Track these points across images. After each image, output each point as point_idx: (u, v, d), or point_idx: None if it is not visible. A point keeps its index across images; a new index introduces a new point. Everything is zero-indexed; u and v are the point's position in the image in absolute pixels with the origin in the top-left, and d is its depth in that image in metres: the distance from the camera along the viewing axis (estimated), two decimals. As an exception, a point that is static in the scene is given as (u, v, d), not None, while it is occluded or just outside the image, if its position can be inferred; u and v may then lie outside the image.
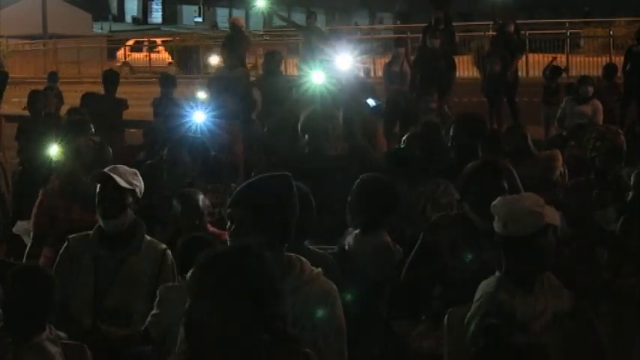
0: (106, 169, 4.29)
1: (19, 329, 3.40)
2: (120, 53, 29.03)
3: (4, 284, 3.49)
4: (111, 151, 5.68)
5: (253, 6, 18.19)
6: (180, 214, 4.80)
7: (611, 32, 21.54)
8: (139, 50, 29.74)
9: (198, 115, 7.26)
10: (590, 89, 10.01)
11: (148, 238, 4.29)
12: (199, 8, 57.72)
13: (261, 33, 32.47)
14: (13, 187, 7.90)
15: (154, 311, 3.89)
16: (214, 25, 45.56)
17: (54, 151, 6.01)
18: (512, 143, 6.22)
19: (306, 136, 5.79)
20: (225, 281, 2.29)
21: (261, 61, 13.08)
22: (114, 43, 32.14)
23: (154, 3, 60.70)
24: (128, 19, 59.28)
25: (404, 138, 6.02)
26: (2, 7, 38.07)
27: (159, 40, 30.59)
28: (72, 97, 12.01)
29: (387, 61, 12.45)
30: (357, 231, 4.31)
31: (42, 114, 8.98)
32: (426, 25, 12.88)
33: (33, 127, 8.58)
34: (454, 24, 13.24)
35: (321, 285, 3.00)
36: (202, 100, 9.64)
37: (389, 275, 4.22)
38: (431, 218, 4.57)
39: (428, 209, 5.10)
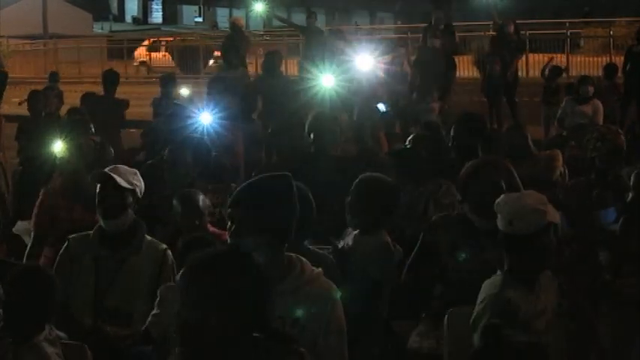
0: (106, 169, 4.29)
1: (20, 330, 3.40)
2: (137, 53, 28.82)
3: (4, 284, 3.49)
4: (112, 151, 5.69)
5: (251, 10, 18.22)
6: (180, 214, 4.80)
7: (611, 32, 21.54)
8: (157, 50, 29.55)
9: (205, 116, 7.27)
10: (591, 89, 10.01)
11: (149, 238, 4.29)
12: (199, 8, 57.72)
13: (262, 33, 32.44)
14: (13, 187, 7.89)
15: (154, 311, 3.89)
16: (214, 25, 45.58)
17: (57, 149, 6.01)
18: (513, 143, 6.22)
19: (312, 136, 5.81)
20: (215, 283, 2.30)
21: (261, 61, 13.08)
22: (114, 43, 32.10)
23: (154, 3, 60.70)
24: (128, 19, 59.27)
25: (409, 138, 6.02)
26: (2, 7, 38.05)
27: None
28: (72, 97, 12.01)
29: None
30: (356, 231, 4.31)
31: (42, 114, 8.98)
32: (426, 25, 12.89)
33: (33, 127, 8.58)
34: (454, 24, 13.25)
35: (321, 285, 3.00)
36: (185, 96, 9.64)
37: (389, 275, 4.22)
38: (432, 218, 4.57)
39: (430, 209, 5.10)
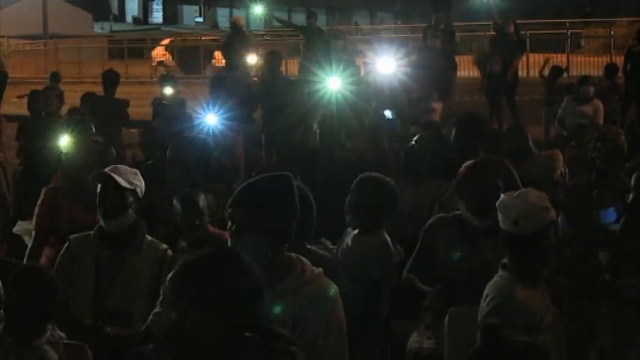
0: (106, 169, 4.29)
1: (21, 330, 3.40)
2: (155, 53, 28.65)
3: (5, 285, 3.49)
4: (114, 151, 5.69)
5: (251, 12, 18.31)
6: (180, 215, 4.80)
7: (611, 32, 21.53)
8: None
9: (210, 117, 7.28)
10: (591, 89, 10.00)
11: (149, 238, 4.29)
12: (200, 8, 57.74)
13: (262, 33, 32.43)
14: (13, 187, 7.90)
15: (156, 310, 3.89)
16: (215, 25, 45.61)
17: (62, 145, 6.02)
18: (513, 143, 6.22)
19: (318, 132, 5.84)
20: (204, 284, 2.30)
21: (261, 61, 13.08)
22: (114, 43, 32.09)
23: (154, 3, 60.71)
24: (129, 19, 59.28)
25: (415, 138, 6.03)
26: (2, 7, 38.05)
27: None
28: (72, 97, 12.02)
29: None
30: (356, 231, 4.31)
31: (42, 114, 8.97)
32: (426, 25, 12.91)
33: (33, 127, 8.57)
34: (454, 24, 13.26)
35: (321, 285, 3.00)
36: (168, 95, 9.64)
37: (388, 275, 4.22)
38: None
39: (435, 211, 5.09)
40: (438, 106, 9.17)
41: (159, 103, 9.85)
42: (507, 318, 3.28)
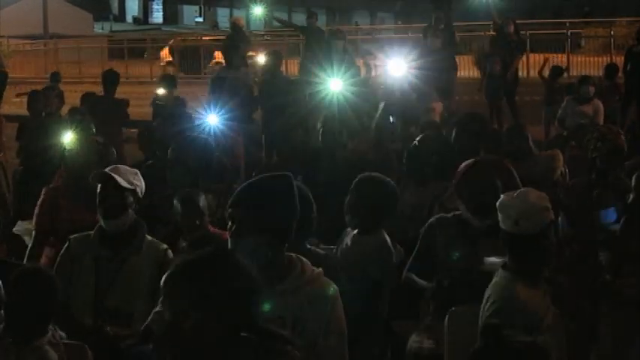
0: (106, 169, 4.29)
1: (22, 331, 3.40)
2: (163, 53, 28.58)
3: (6, 285, 3.49)
4: (114, 152, 5.69)
5: (251, 13, 18.34)
6: (180, 215, 4.80)
7: (611, 32, 21.53)
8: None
9: (212, 117, 7.28)
10: (592, 89, 9.99)
11: (149, 238, 4.29)
12: (200, 8, 57.72)
13: (262, 33, 32.43)
14: (13, 187, 7.90)
15: (157, 308, 3.89)
16: (215, 26, 45.59)
17: (65, 145, 6.03)
18: (513, 143, 6.22)
19: (320, 132, 5.85)
20: (199, 284, 2.30)
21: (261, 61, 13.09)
22: (115, 43, 32.08)
23: (154, 3, 60.71)
24: (129, 19, 59.28)
25: (418, 138, 6.03)
26: (3, 7, 38.04)
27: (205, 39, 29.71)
28: (73, 97, 12.02)
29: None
30: (355, 231, 4.31)
31: (42, 114, 8.96)
32: (426, 24, 12.90)
33: (33, 127, 8.57)
34: (454, 24, 13.25)
35: (321, 285, 3.00)
36: (161, 95, 9.65)
37: (388, 275, 4.22)
38: None
39: (435, 211, 5.09)
40: (437, 106, 9.17)
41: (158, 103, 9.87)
42: (508, 318, 3.28)
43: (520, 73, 13.75)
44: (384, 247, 4.22)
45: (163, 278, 2.37)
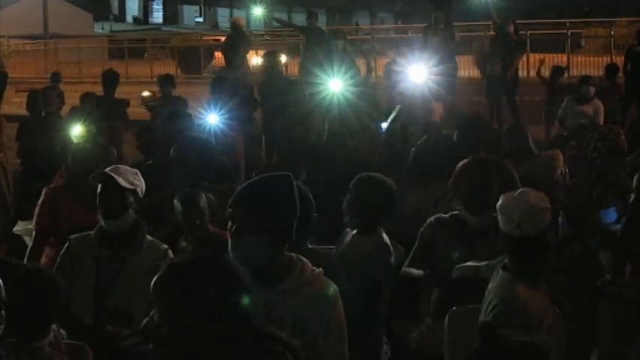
0: (107, 169, 4.29)
1: (23, 331, 3.40)
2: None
3: (7, 286, 3.49)
4: (115, 152, 5.70)
5: (251, 13, 18.34)
6: (181, 214, 4.80)
7: (612, 32, 21.53)
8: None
9: (212, 117, 7.29)
10: (592, 89, 9.99)
11: (149, 238, 4.29)
12: (200, 8, 57.76)
13: (262, 33, 32.44)
14: (14, 187, 7.90)
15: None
16: (215, 26, 45.62)
17: (74, 138, 6.05)
18: (513, 143, 6.23)
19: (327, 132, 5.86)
20: (189, 287, 2.30)
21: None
22: (115, 43, 32.09)
23: (154, 3, 60.73)
24: (129, 19, 59.30)
25: (421, 140, 6.03)
26: (3, 7, 38.05)
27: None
28: (73, 97, 12.00)
29: (387, 61, 12.46)
30: (354, 231, 4.31)
31: (42, 114, 8.96)
32: (426, 24, 12.91)
33: (33, 126, 8.57)
34: (454, 24, 13.26)
35: (321, 285, 3.00)
36: (146, 97, 9.66)
37: (388, 275, 4.22)
38: None
39: (437, 212, 5.08)
40: (438, 106, 9.17)
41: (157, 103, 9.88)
42: (508, 318, 3.29)
43: (520, 73, 13.75)
44: (383, 247, 4.21)
45: (153, 281, 2.37)
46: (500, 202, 3.60)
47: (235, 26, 13.45)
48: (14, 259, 5.02)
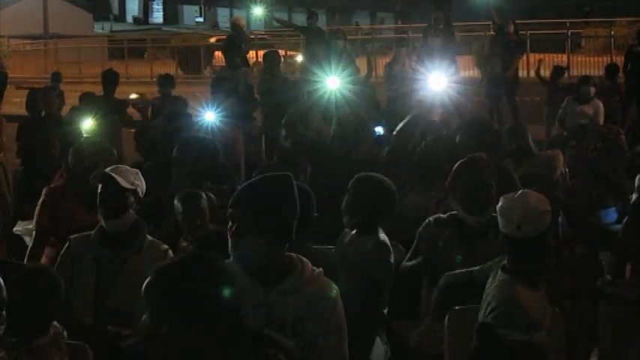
0: (107, 169, 4.29)
1: (23, 330, 3.39)
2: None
3: (9, 285, 3.49)
4: (115, 152, 5.70)
5: (251, 13, 18.34)
6: (181, 214, 4.80)
7: (612, 32, 21.53)
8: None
9: (209, 114, 7.29)
10: (592, 89, 9.99)
11: (150, 238, 4.29)
12: (200, 8, 57.74)
13: (263, 33, 32.44)
14: (14, 188, 7.90)
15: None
16: (215, 26, 45.62)
17: (85, 130, 6.06)
18: (513, 143, 6.23)
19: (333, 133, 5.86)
20: (178, 289, 2.30)
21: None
22: (115, 43, 32.10)
23: (155, 3, 60.71)
24: (129, 19, 59.29)
25: (425, 141, 6.02)
26: (3, 7, 38.05)
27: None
28: (73, 97, 12.00)
29: (388, 61, 12.46)
30: (354, 231, 4.31)
31: (42, 113, 8.96)
32: (426, 24, 12.91)
33: (33, 126, 8.57)
34: (455, 24, 13.26)
35: (321, 285, 3.00)
36: (134, 99, 9.67)
37: (388, 275, 4.22)
38: None
39: (439, 212, 5.07)
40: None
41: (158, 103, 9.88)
42: (508, 320, 3.29)
43: (520, 73, 13.75)
44: (383, 247, 4.21)
45: (144, 285, 2.38)
46: (500, 203, 3.59)
47: (235, 26, 13.44)
48: (14, 259, 5.02)
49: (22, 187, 7.48)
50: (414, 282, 4.52)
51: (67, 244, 4.28)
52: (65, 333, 3.58)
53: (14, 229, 6.26)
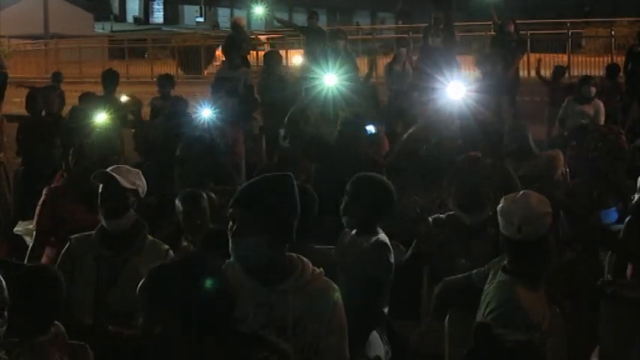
0: (108, 169, 4.29)
1: (24, 329, 3.40)
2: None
3: (11, 284, 3.49)
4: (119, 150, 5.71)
5: (252, 13, 18.34)
6: (182, 214, 4.81)
7: (612, 32, 21.53)
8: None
9: (205, 111, 7.30)
10: (593, 89, 9.99)
11: (150, 238, 4.29)
12: (201, 8, 57.72)
13: (263, 33, 32.44)
14: (14, 187, 7.90)
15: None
16: (216, 26, 45.59)
17: (96, 125, 6.09)
18: (514, 143, 6.22)
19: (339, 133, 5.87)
20: (173, 290, 2.30)
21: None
22: (115, 43, 32.10)
23: (155, 3, 60.71)
24: (129, 19, 59.29)
25: (426, 145, 6.02)
26: (3, 7, 38.06)
27: (263, 38, 29.37)
28: (73, 97, 12.00)
29: (388, 60, 12.47)
30: (353, 231, 4.30)
31: (42, 113, 8.97)
32: (426, 24, 12.91)
33: (33, 126, 8.57)
34: (455, 24, 13.25)
35: (322, 285, 3.00)
36: (125, 101, 9.67)
37: (388, 275, 4.22)
38: None
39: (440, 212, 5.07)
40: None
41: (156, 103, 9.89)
42: (508, 320, 3.29)
43: (520, 73, 13.76)
44: (382, 247, 4.21)
45: (139, 286, 2.39)
46: (501, 205, 3.59)
47: (236, 26, 13.44)
48: (15, 259, 5.03)
49: (22, 187, 7.48)
50: (414, 282, 4.53)
51: (67, 244, 4.28)
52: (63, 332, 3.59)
53: (15, 229, 6.27)
